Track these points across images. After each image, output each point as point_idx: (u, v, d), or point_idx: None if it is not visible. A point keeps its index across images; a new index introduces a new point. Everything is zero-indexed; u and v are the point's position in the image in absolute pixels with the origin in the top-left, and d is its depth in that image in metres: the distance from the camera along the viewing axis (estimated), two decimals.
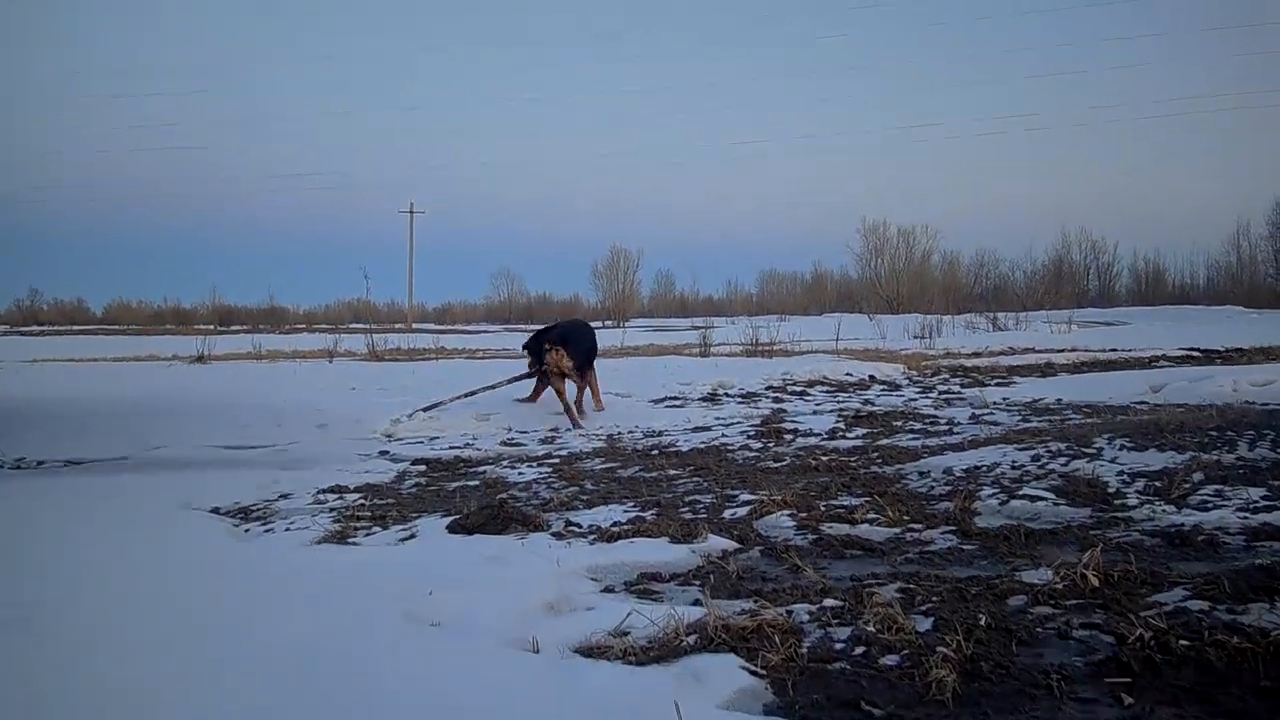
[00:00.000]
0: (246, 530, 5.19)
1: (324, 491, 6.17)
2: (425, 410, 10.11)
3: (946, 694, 2.67)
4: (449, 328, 54.82)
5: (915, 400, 11.00)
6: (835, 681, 2.82)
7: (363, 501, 5.81)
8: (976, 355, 19.59)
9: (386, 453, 8.19)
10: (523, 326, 45.74)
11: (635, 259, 62.38)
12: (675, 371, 14.75)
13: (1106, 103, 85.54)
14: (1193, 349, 18.63)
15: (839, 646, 3.08)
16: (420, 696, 2.59)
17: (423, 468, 7.24)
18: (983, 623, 3.17)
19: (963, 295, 60.04)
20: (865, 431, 8.06)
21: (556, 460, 7.23)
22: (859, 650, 3.03)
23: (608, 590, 3.78)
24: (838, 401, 11.18)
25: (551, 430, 9.48)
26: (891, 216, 58.47)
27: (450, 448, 8.36)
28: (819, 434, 8.02)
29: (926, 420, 8.76)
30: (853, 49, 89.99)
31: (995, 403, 9.97)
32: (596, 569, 4.01)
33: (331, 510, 5.57)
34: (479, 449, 8.23)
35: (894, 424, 8.49)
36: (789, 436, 7.96)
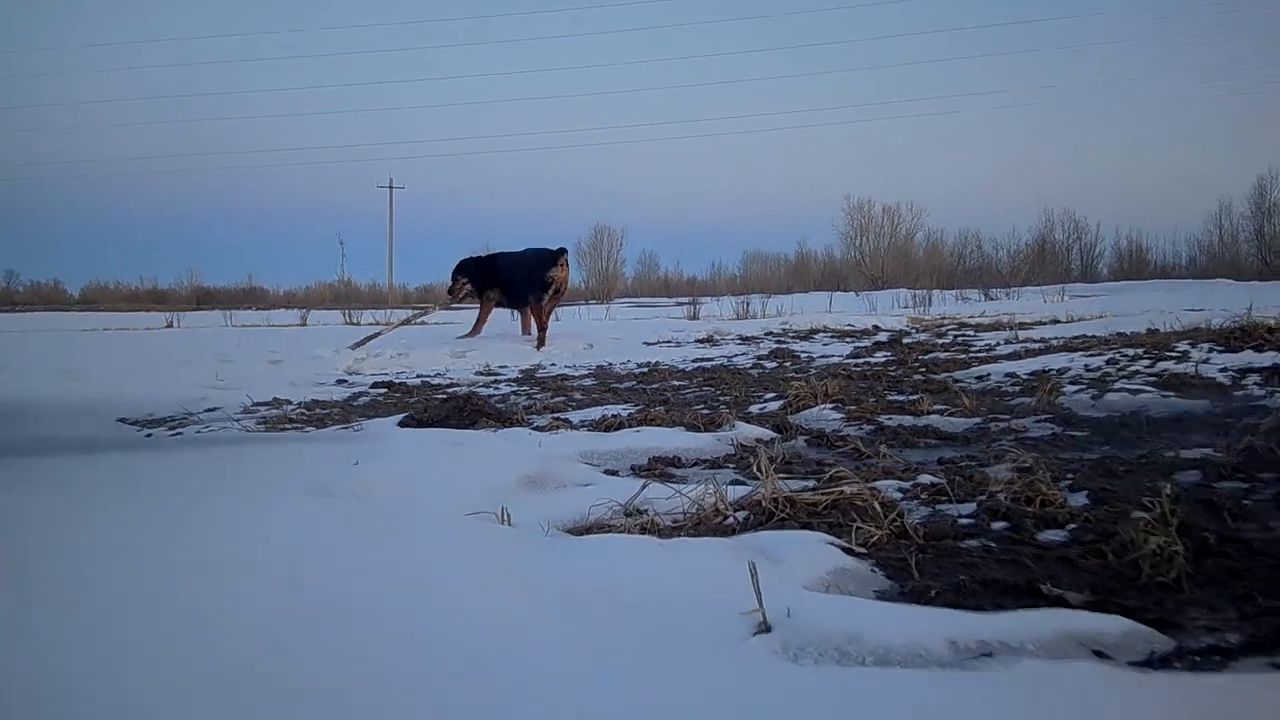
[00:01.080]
0: (149, 435, 4.08)
1: (259, 405, 5.07)
2: (363, 343, 8.98)
3: (1173, 573, 1.62)
4: (429, 306, 53.47)
5: (934, 342, 9.97)
6: (979, 562, 1.77)
7: (303, 412, 4.71)
8: (981, 317, 18.60)
9: (345, 381, 7.08)
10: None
11: (619, 238, 61.16)
12: (660, 325, 13.69)
13: (1088, 82, 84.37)
14: (1195, 309, 17.70)
15: (966, 523, 2.02)
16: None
17: (383, 391, 6.14)
18: (1168, 493, 2.12)
19: (946, 274, 59.25)
20: (892, 356, 7.00)
21: (541, 380, 6.15)
22: (999, 526, 1.98)
23: (610, 474, 2.71)
24: (848, 343, 10.13)
25: (534, 365, 8.42)
26: (876, 196, 57.43)
27: (418, 377, 7.26)
28: (839, 357, 6.95)
29: (959, 346, 7.70)
30: (835, 25, 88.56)
31: (1030, 338, 8.94)
32: (594, 454, 2.93)
33: (263, 420, 4.47)
34: (451, 378, 7.14)
35: (924, 349, 7.42)
36: (804, 358, 6.90)
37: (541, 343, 10.02)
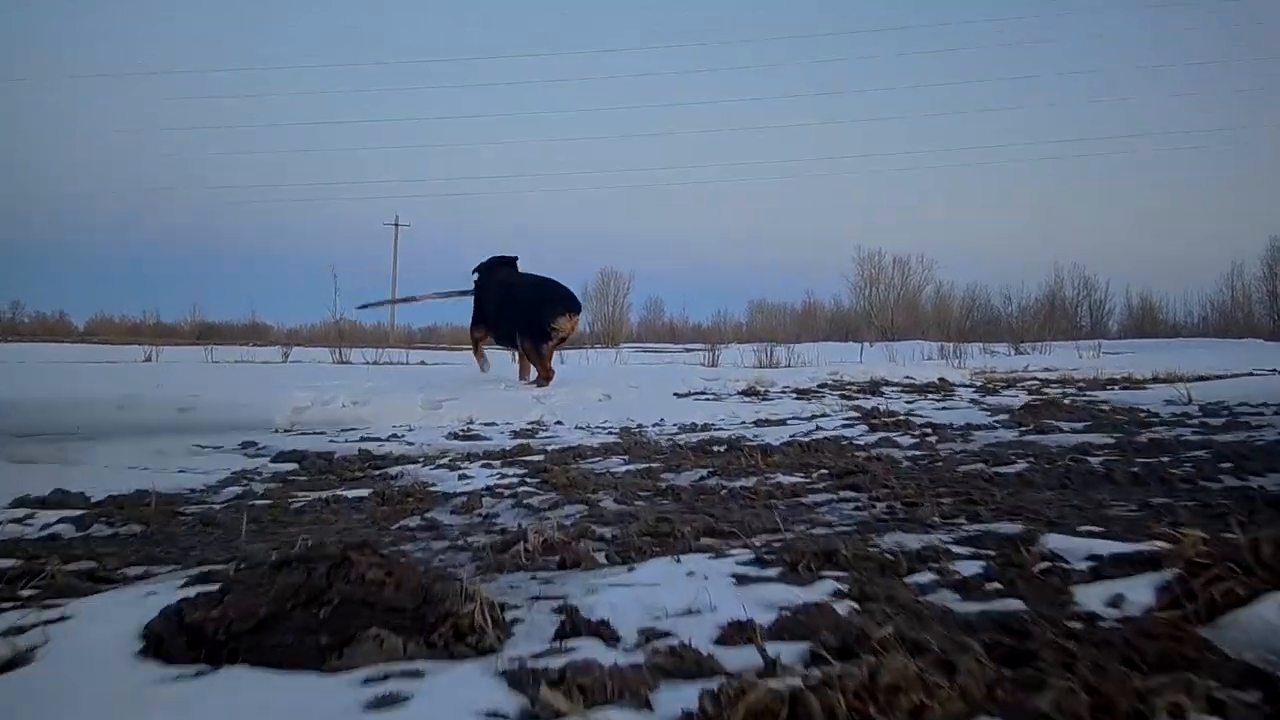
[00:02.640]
0: None
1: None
2: (371, 306, 6.63)
3: None
4: (434, 347, 51.16)
5: (1091, 404, 7.56)
6: None
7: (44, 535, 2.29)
8: (1032, 373, 16.19)
9: (253, 444, 4.66)
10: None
11: (626, 282, 58.91)
12: (683, 372, 11.33)
13: (1101, 139, 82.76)
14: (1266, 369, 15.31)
15: None
16: None
17: (292, 465, 3.73)
18: None
19: (955, 327, 57.09)
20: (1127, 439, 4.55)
21: (538, 460, 3.72)
22: None
23: None
24: (937, 400, 7.72)
25: (534, 422, 6.02)
26: (885, 246, 55.36)
27: (366, 439, 4.85)
28: (985, 423, 4.52)
29: (1136, 413, 5.24)
30: (846, 75, 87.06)
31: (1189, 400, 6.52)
32: None
33: None
34: (412, 441, 4.75)
35: (1119, 418, 4.96)
36: (928, 432, 4.47)
37: (544, 383, 7.73)
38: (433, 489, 2.89)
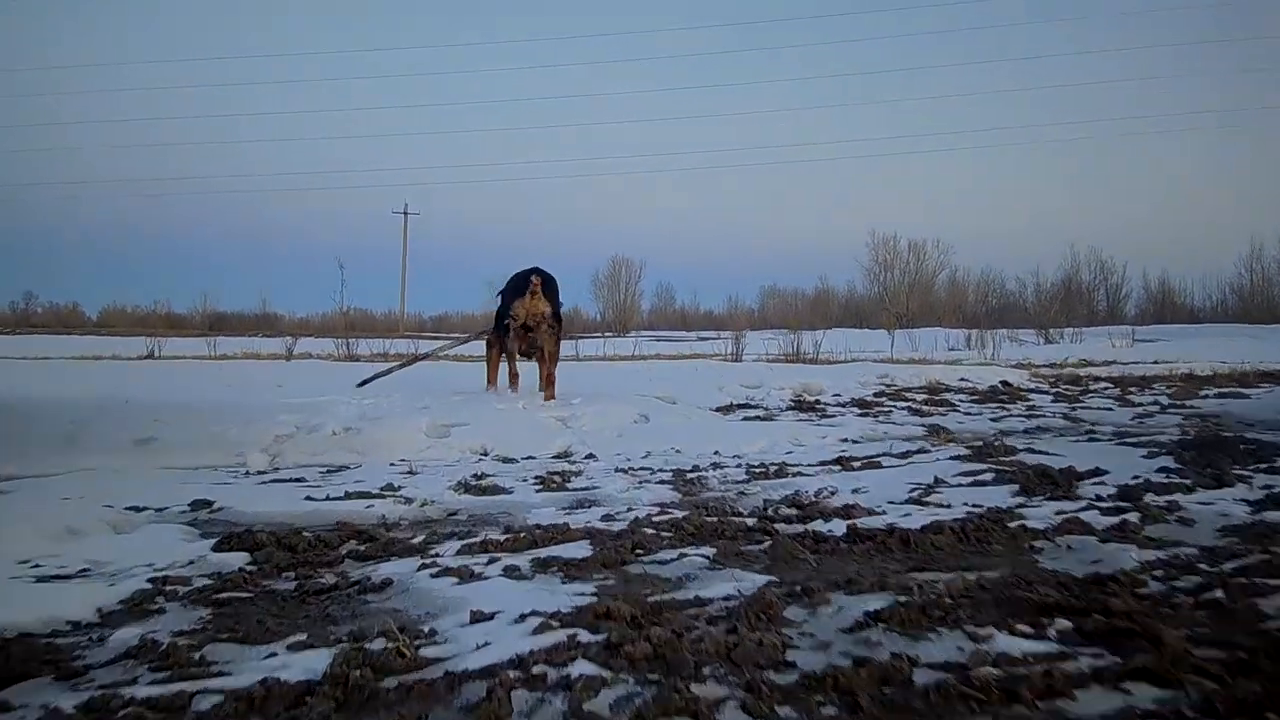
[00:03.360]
0: None
1: None
2: (370, 380, 5.55)
3: None
4: (444, 336, 50.13)
5: (1165, 416, 6.43)
6: None
7: None
8: (1075, 366, 15.05)
9: (208, 504, 3.57)
10: None
11: (638, 270, 57.70)
12: (715, 375, 10.23)
13: (1115, 120, 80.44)
14: None
15: None
16: None
17: (240, 559, 2.64)
18: None
19: (970, 313, 55.87)
20: None
21: (580, 551, 2.59)
22: None
23: None
24: (1023, 417, 6.58)
25: (561, 455, 4.93)
26: (900, 231, 53.95)
27: (353, 494, 3.75)
28: (1169, 484, 3.38)
29: None
30: (857, 57, 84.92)
31: None
32: None
33: None
34: (412, 494, 3.66)
35: None
36: (1100, 497, 3.35)
37: (549, 396, 6.77)
38: (429, 646, 1.79)
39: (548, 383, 6.90)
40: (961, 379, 9.58)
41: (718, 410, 6.90)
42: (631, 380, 9.24)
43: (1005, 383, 9.31)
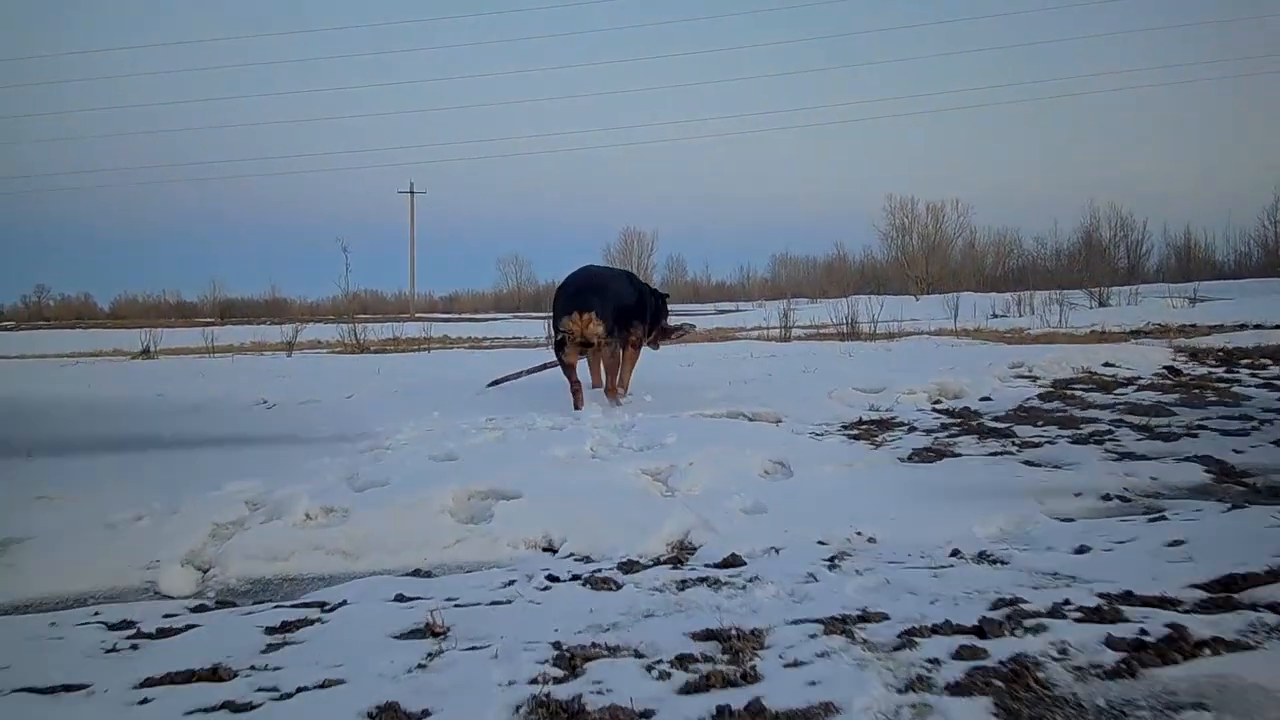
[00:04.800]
0: None
1: None
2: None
3: None
4: (456, 316, 48.07)
5: None
6: None
7: None
8: (1180, 334, 12.91)
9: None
10: (533, 316, 38.63)
11: (650, 242, 55.47)
12: (829, 370, 8.17)
13: (1137, 68, 76.92)
14: None
15: None
16: None
17: None
18: None
19: (988, 275, 53.59)
20: None
21: None
22: None
23: None
24: None
25: (676, 549, 2.87)
26: (915, 193, 51.47)
27: (325, 683, 1.69)
28: None
29: None
30: (867, 14, 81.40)
31: None
32: None
33: None
34: (431, 712, 1.62)
35: None
36: None
37: (613, 400, 5.74)
38: None
39: (610, 390, 5.94)
40: (1106, 364, 7.47)
41: (851, 432, 4.81)
42: (692, 375, 7.14)
43: (1171, 369, 7.20)
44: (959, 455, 4.12)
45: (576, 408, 5.49)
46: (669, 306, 6.76)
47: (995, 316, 22.34)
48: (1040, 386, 6.36)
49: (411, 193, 50.68)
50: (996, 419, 5.16)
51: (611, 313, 5.71)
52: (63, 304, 73.69)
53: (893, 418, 5.33)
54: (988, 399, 5.86)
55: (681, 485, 3.50)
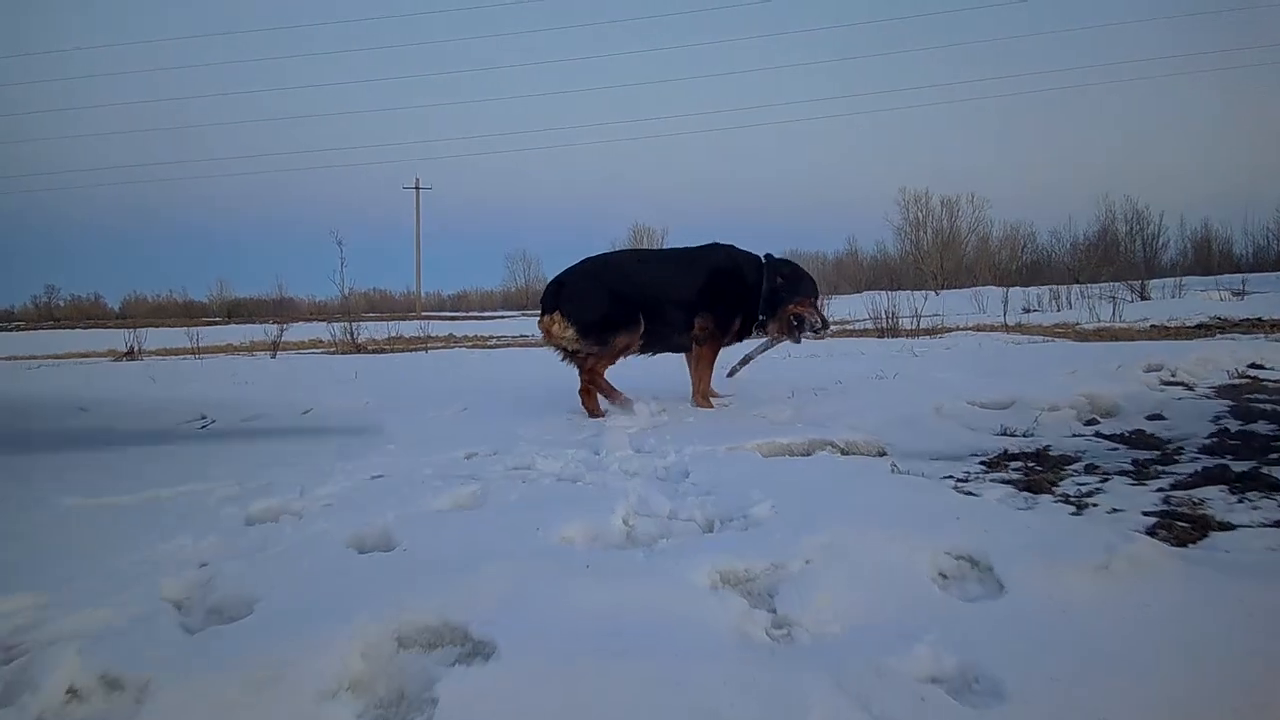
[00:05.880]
0: None
1: None
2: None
3: None
4: (463, 315, 46.46)
5: None
6: None
7: None
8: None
9: None
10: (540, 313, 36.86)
11: (660, 238, 53.74)
12: (818, 363, 6.51)
13: (1148, 65, 74.45)
14: None
15: None
16: None
17: None
18: None
19: (1002, 270, 51.74)
20: None
21: None
22: None
23: None
24: None
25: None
26: (931, 187, 49.60)
27: None
28: None
29: None
30: (881, 6, 78.92)
31: None
32: None
33: None
34: None
35: None
36: None
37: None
38: None
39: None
40: (1255, 364, 5.76)
41: (1003, 474, 3.11)
42: (739, 382, 5.44)
43: (1256, 366, 5.51)
44: (1232, 528, 2.42)
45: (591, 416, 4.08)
46: (804, 286, 4.98)
47: (1027, 311, 20.57)
48: (1203, 396, 4.65)
49: (418, 189, 49.05)
50: (1205, 449, 3.46)
51: (592, 313, 4.66)
52: (73, 304, 72.32)
53: (1046, 447, 3.61)
54: (1159, 417, 4.14)
55: (803, 614, 1.80)
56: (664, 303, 4.79)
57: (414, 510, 2.54)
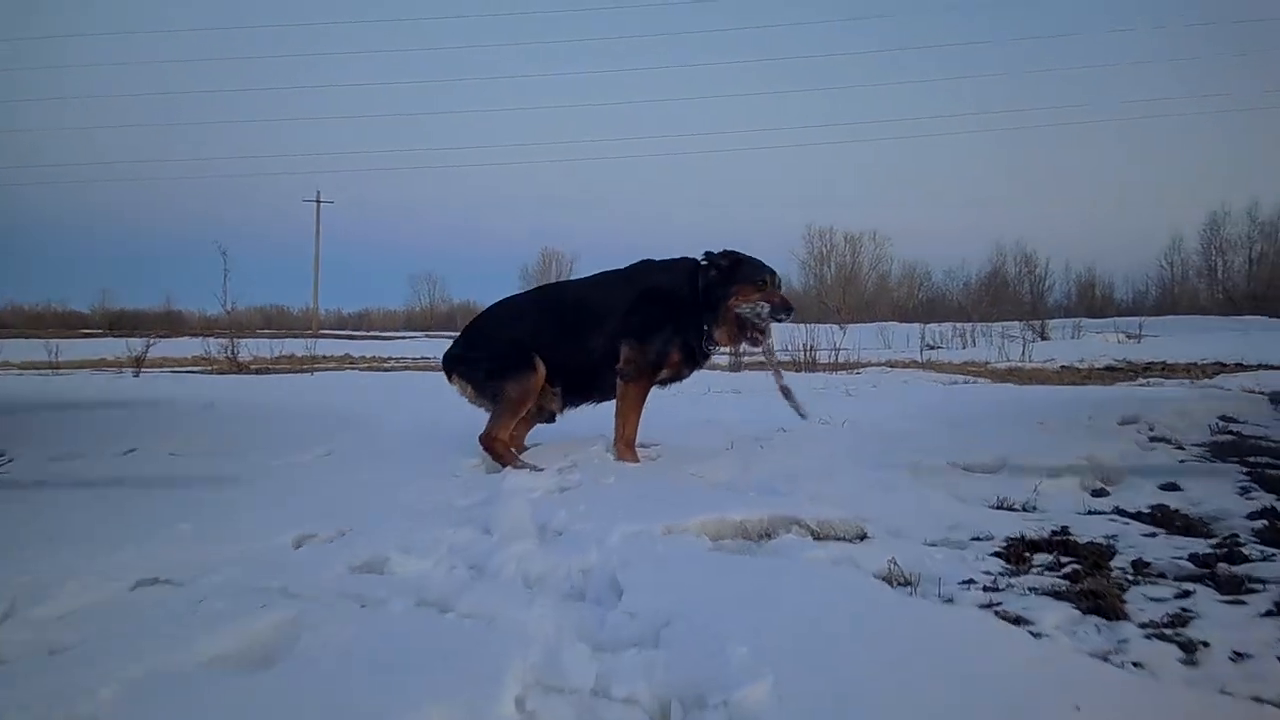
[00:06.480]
0: None
1: None
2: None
3: None
4: (363, 334, 44.37)
5: None
6: None
7: None
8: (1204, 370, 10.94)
9: None
10: (445, 334, 35.16)
11: (569, 264, 52.80)
12: (740, 400, 5.71)
13: (1042, 112, 77.25)
14: None
15: None
16: None
17: None
18: None
19: (900, 306, 52.85)
20: None
21: None
22: None
23: None
24: None
25: None
26: (836, 223, 50.15)
27: None
28: None
29: None
30: (783, 43, 79.78)
31: None
32: None
33: None
34: None
35: None
36: None
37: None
38: None
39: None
40: (1225, 417, 5.16)
41: (1034, 581, 2.26)
42: (663, 422, 4.47)
43: (1228, 419, 4.94)
44: None
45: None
46: (742, 271, 3.93)
47: (932, 347, 20.36)
48: (1203, 458, 3.96)
49: (318, 202, 46.86)
50: (1261, 536, 2.69)
51: (480, 366, 3.95)
52: None
53: (1065, 530, 2.78)
54: (1174, 487, 3.38)
55: None
56: (573, 339, 3.88)
57: (157, 665, 1.50)
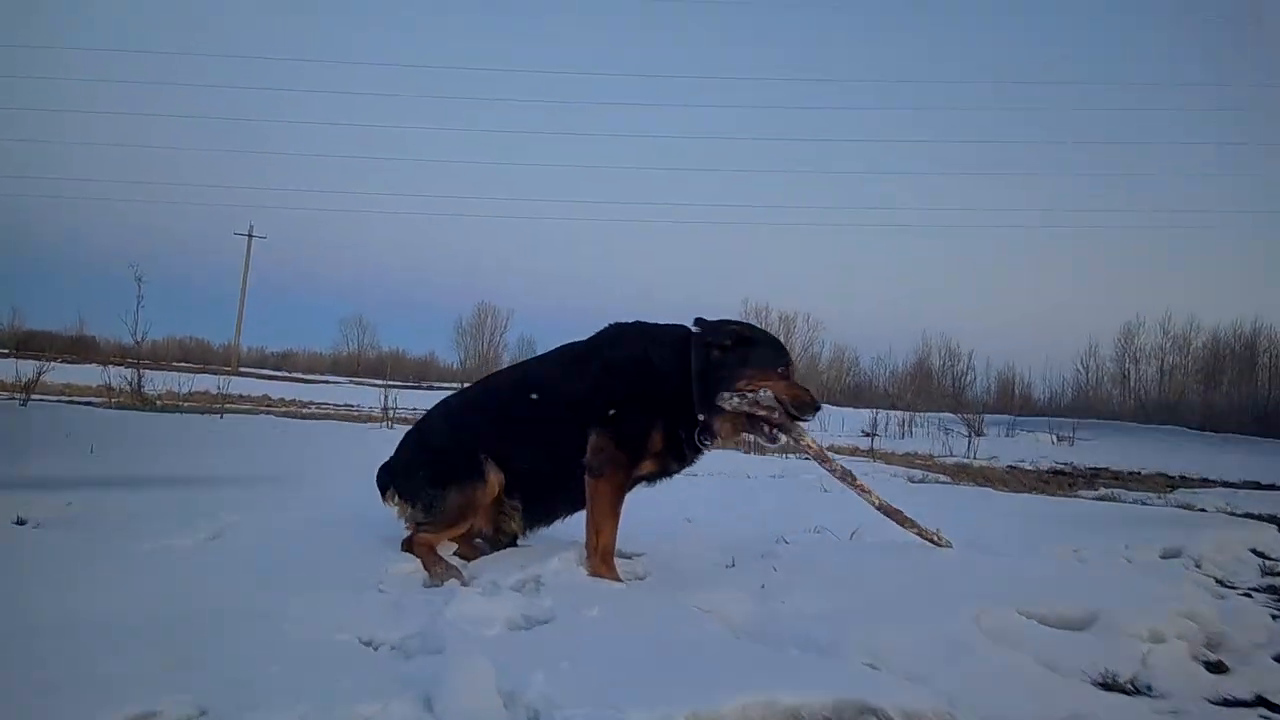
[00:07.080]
0: None
1: None
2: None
3: None
4: (285, 375, 42.36)
5: None
6: None
7: None
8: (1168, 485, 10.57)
9: None
10: (371, 382, 33.43)
11: (504, 319, 51.77)
12: (711, 496, 4.90)
13: (964, 208, 79.00)
14: None
15: None
16: None
17: None
18: None
19: (827, 391, 52.95)
20: None
21: None
22: None
23: None
24: None
25: None
26: (772, 302, 50.44)
27: None
28: None
29: None
30: (706, 121, 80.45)
31: None
32: None
33: None
34: None
35: None
36: None
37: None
38: None
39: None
40: (1256, 550, 4.54)
41: None
42: (642, 533, 3.61)
43: (1259, 554, 4.35)
44: None
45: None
46: (757, 355, 3.12)
47: (868, 435, 19.93)
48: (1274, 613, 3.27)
49: (250, 236, 45.13)
50: None
51: (416, 476, 3.21)
52: None
53: None
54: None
55: None
56: (533, 434, 3.06)
57: None
